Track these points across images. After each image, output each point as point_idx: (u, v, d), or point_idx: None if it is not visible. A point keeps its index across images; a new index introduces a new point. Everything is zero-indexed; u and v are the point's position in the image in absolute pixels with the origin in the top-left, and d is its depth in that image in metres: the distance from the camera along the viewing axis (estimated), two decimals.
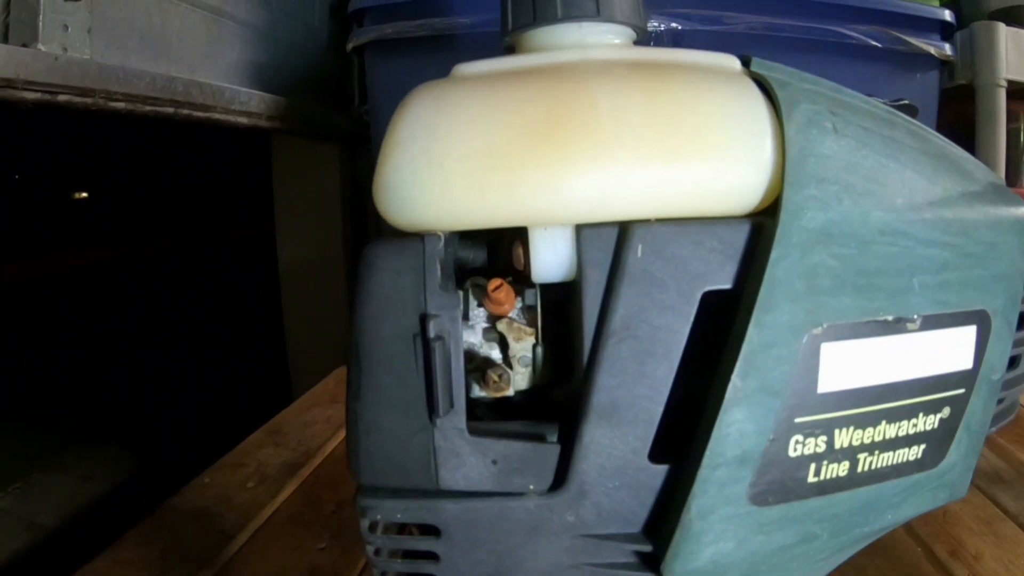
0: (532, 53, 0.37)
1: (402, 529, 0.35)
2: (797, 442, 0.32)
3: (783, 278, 0.31)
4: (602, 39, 0.37)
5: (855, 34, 0.90)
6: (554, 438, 0.33)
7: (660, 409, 0.31)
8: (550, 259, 0.33)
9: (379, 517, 0.33)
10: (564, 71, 0.34)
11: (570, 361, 0.34)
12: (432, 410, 0.32)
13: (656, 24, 0.85)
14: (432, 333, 0.31)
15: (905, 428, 0.34)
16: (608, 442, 0.31)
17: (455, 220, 0.32)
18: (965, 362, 0.35)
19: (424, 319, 0.32)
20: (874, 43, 0.92)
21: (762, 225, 0.32)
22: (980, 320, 0.35)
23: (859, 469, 0.34)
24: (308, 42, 1.14)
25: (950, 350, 0.35)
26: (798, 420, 0.32)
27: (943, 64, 0.98)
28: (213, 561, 0.59)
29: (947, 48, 0.95)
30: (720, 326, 0.32)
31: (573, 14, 0.36)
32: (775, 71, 0.35)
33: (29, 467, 0.96)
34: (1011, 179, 1.09)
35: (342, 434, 0.81)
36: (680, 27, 0.86)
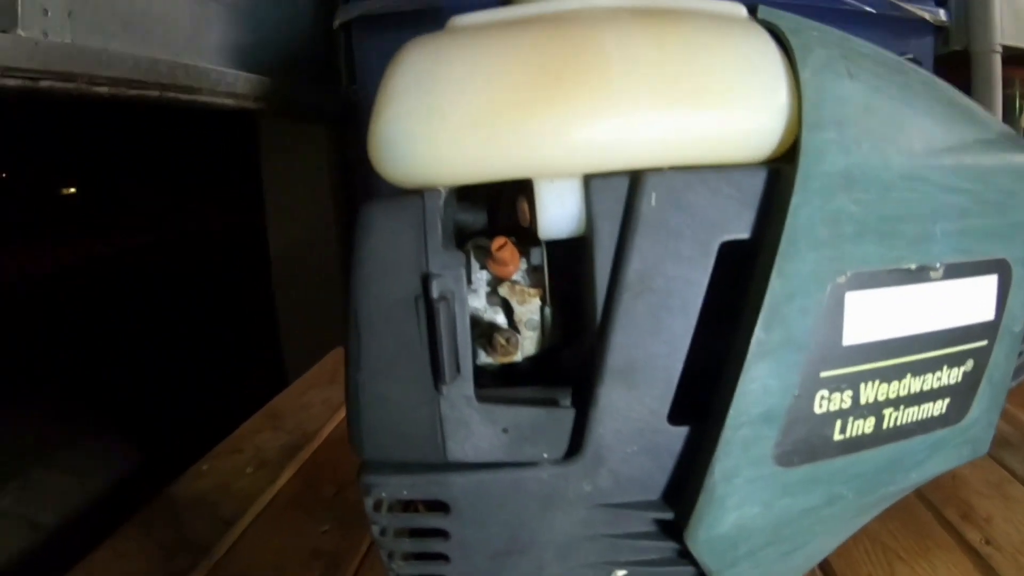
0: (532, 2, 0.35)
1: (408, 506, 0.33)
2: (823, 398, 0.31)
3: (805, 225, 0.29)
4: None
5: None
6: (567, 402, 0.31)
7: (679, 367, 0.30)
8: (558, 213, 0.31)
9: (384, 495, 0.32)
10: (568, 18, 0.32)
11: (580, 322, 0.33)
12: (438, 377, 0.30)
13: None
14: (435, 294, 0.29)
15: (930, 382, 0.33)
16: (625, 404, 0.30)
17: (456, 173, 0.30)
18: (987, 313, 0.34)
19: (426, 280, 0.30)
20: (868, 8, 0.91)
21: (780, 171, 0.30)
22: (1001, 269, 0.34)
23: (885, 425, 0.32)
24: (294, 21, 1.11)
25: (972, 300, 0.33)
26: (823, 374, 0.30)
27: (937, 30, 0.98)
28: (214, 549, 0.58)
29: (942, 13, 0.94)
30: (739, 279, 0.30)
31: None
32: (783, 19, 0.33)
33: (27, 465, 0.95)
34: None
35: (340, 416, 0.81)
36: None
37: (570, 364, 0.33)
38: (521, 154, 0.29)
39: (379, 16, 0.89)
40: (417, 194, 0.31)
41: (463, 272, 0.30)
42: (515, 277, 0.33)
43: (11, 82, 0.61)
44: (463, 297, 0.30)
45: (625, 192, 0.30)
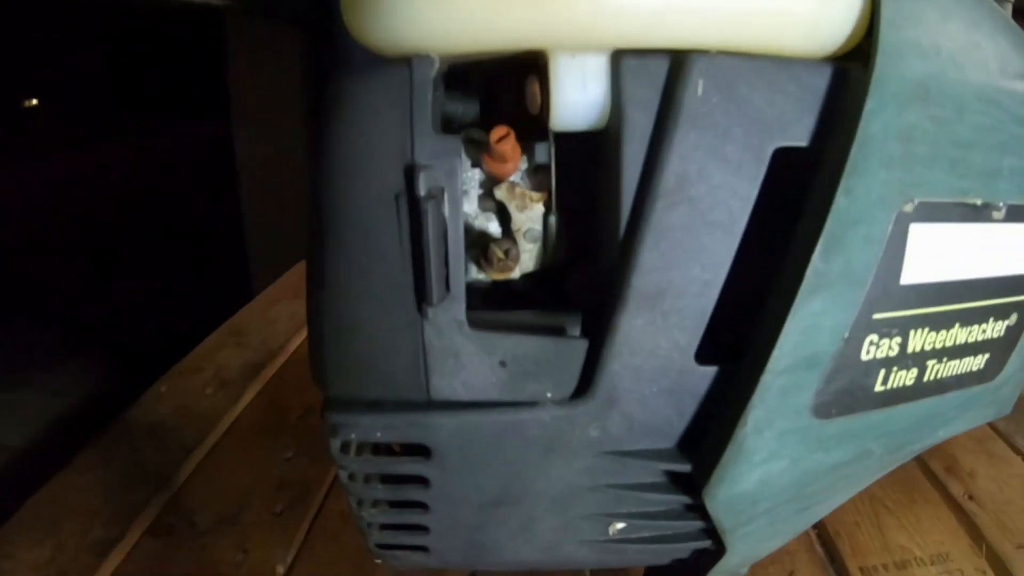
0: None
1: (379, 449, 0.28)
2: (871, 343, 0.26)
3: (878, 136, 0.24)
4: None
5: None
6: (576, 332, 0.26)
7: (715, 295, 0.25)
8: (578, 98, 0.25)
9: (353, 436, 0.26)
10: None
11: (590, 235, 0.27)
12: (422, 297, 0.24)
13: None
14: (423, 191, 0.23)
15: (975, 334, 0.30)
16: (649, 337, 0.25)
17: (454, 39, 0.24)
18: None
19: (411, 172, 0.24)
20: None
21: (848, 71, 0.25)
22: None
23: (926, 378, 0.29)
24: None
25: None
26: (876, 316, 0.26)
27: None
28: (172, 479, 0.56)
29: None
30: (791, 196, 0.25)
31: None
32: None
33: None
34: None
35: (305, 332, 0.79)
36: None
37: (577, 286, 0.28)
38: (535, 15, 0.23)
39: None
40: (403, 63, 0.24)
41: (457, 164, 0.24)
42: (514, 178, 0.27)
43: None
44: (456, 196, 0.24)
45: (664, 77, 0.24)
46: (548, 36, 0.24)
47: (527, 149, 0.27)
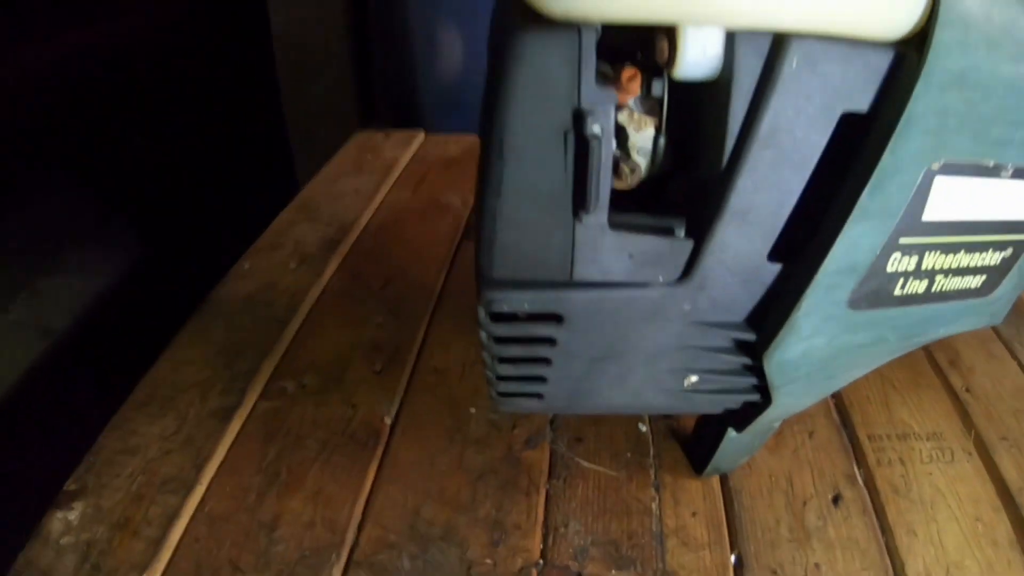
0: None
1: (514, 318, 0.37)
2: (895, 260, 0.36)
3: (921, 113, 0.33)
4: None
5: None
6: (682, 233, 0.36)
7: (787, 213, 0.35)
8: (698, 59, 0.34)
9: (504, 307, 0.36)
10: None
11: (686, 154, 0.36)
12: (581, 206, 0.33)
13: None
14: (590, 131, 0.32)
15: (976, 260, 0.39)
16: (736, 240, 0.35)
17: (614, 11, 0.32)
18: None
19: (580, 115, 0.33)
20: None
21: (906, 57, 0.34)
22: None
23: (933, 289, 0.38)
24: None
25: None
26: (902, 241, 0.36)
27: None
28: (274, 349, 0.60)
29: None
30: (848, 148, 0.35)
31: None
32: None
33: (35, 272, 0.89)
34: None
35: (374, 205, 0.84)
36: None
37: (677, 194, 0.38)
38: (677, 2, 0.32)
39: None
40: (573, 28, 0.33)
41: (613, 109, 0.34)
42: (630, 104, 0.36)
43: None
44: (609, 135, 0.33)
45: (767, 51, 0.33)
46: (682, 14, 0.33)
47: (643, 84, 0.36)
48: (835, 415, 0.55)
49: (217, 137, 1.20)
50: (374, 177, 0.91)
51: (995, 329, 0.66)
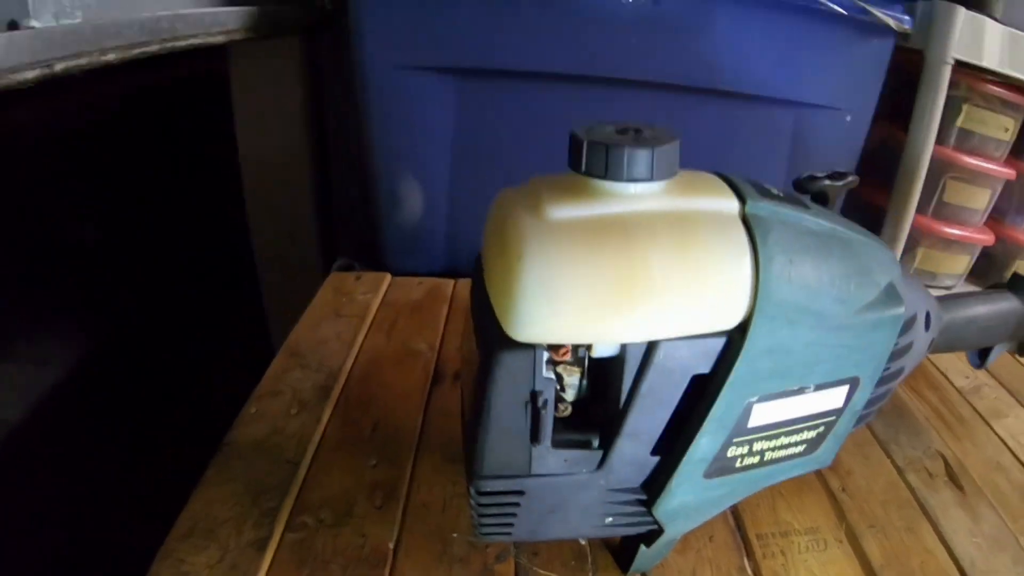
0: (599, 199, 0.52)
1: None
2: (732, 449, 0.57)
3: (743, 375, 0.54)
4: (651, 190, 0.56)
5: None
6: (596, 444, 0.57)
7: (660, 431, 0.56)
8: (604, 350, 0.54)
9: (487, 489, 0.54)
10: (629, 229, 0.51)
11: (599, 391, 0.57)
12: (535, 439, 0.53)
13: None
14: (540, 403, 0.52)
15: (794, 438, 0.60)
16: (630, 447, 0.56)
17: (558, 338, 0.52)
18: (837, 403, 0.60)
19: (534, 394, 0.52)
20: (840, 10, 1.06)
21: (732, 340, 0.54)
22: (852, 382, 0.60)
23: (765, 459, 0.60)
24: None
25: (829, 399, 0.60)
26: (735, 440, 0.57)
27: (898, 35, 1.13)
28: (290, 488, 0.67)
29: (906, 22, 1.09)
30: (696, 395, 0.56)
31: (635, 177, 0.54)
32: (759, 222, 0.55)
33: None
34: (942, 139, 1.28)
35: (354, 352, 0.95)
36: None
37: (595, 417, 0.59)
38: (602, 332, 0.50)
39: None
40: (530, 347, 0.51)
41: (554, 388, 0.54)
42: (566, 361, 0.58)
43: (30, 74, 0.62)
44: (552, 396, 0.53)
45: (645, 348, 0.53)
46: (598, 338, 0.52)
47: (573, 352, 0.57)
48: (731, 519, 0.66)
49: (180, 235, 1.22)
50: (352, 322, 0.99)
51: (872, 432, 0.78)
